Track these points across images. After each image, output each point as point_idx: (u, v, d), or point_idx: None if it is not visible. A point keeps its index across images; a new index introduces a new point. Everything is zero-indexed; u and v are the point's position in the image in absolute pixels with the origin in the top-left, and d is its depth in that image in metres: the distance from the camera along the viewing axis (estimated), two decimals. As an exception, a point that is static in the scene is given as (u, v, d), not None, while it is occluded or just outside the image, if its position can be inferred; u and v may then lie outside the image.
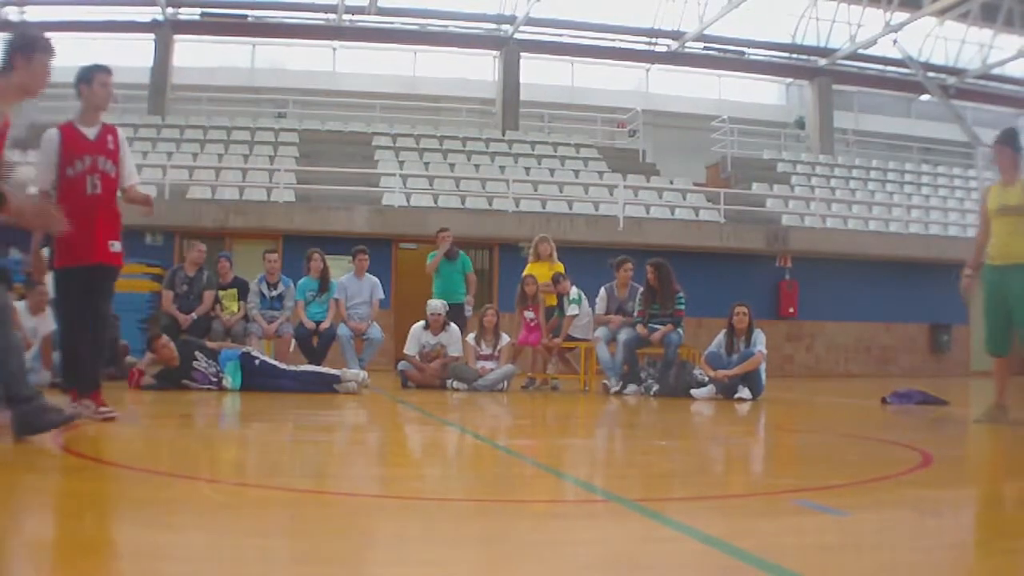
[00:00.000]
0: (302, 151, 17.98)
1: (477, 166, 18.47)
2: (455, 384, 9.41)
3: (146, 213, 5.77)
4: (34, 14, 20.34)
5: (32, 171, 5.33)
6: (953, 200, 20.97)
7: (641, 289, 9.84)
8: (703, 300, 11.26)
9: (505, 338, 9.97)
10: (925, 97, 23.79)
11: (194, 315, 9.68)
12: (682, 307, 9.55)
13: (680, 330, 9.51)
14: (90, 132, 5.34)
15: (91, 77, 5.31)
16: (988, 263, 6.37)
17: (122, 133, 5.52)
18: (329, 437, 5.53)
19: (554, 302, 10.27)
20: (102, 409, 5.23)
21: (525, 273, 10.61)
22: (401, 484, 3.63)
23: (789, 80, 24.23)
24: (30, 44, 4.35)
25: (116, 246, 5.36)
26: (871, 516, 3.01)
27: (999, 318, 6.30)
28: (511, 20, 21.28)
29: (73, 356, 5.36)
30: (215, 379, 8.08)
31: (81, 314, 5.29)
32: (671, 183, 18.75)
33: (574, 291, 10.21)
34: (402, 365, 9.82)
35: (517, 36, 21.54)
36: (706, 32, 21.81)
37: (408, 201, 16.17)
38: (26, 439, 4.00)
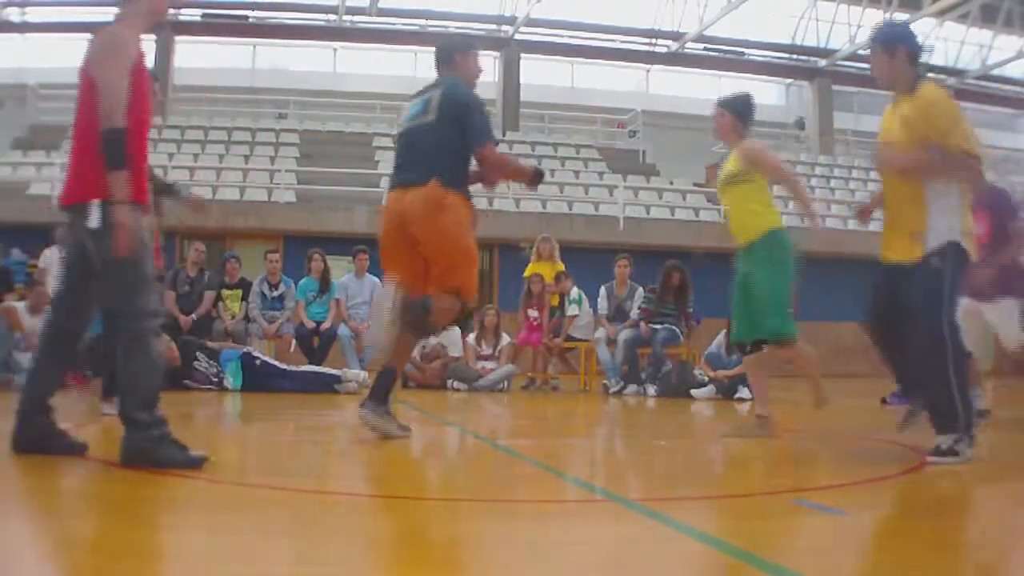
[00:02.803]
0: (303, 151, 17.98)
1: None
2: (455, 384, 9.41)
3: None
4: (35, 15, 20.37)
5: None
6: (953, 200, 20.96)
7: (641, 289, 9.86)
8: (703, 301, 11.26)
9: (505, 338, 9.98)
10: (925, 98, 23.78)
11: (193, 316, 9.69)
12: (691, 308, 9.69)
13: (677, 329, 9.52)
14: None
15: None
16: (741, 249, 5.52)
17: None
18: (329, 437, 5.53)
19: (557, 302, 10.29)
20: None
21: (530, 272, 10.63)
22: (401, 484, 3.64)
23: (789, 81, 24.22)
24: None
25: None
26: (871, 516, 3.02)
27: (741, 304, 5.42)
28: (511, 21, 21.28)
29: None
30: (216, 379, 8.09)
31: None
32: (671, 183, 18.75)
33: (574, 291, 10.22)
34: (402, 365, 9.83)
35: (517, 37, 21.53)
36: (706, 33, 21.81)
37: (408, 202, 16.13)
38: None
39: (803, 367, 5.50)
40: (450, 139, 4.55)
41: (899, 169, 4.19)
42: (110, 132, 3.39)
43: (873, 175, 21.31)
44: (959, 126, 4.12)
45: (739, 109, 5.52)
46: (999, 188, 6.36)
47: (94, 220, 3.42)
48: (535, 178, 4.82)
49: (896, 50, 4.25)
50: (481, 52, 5.02)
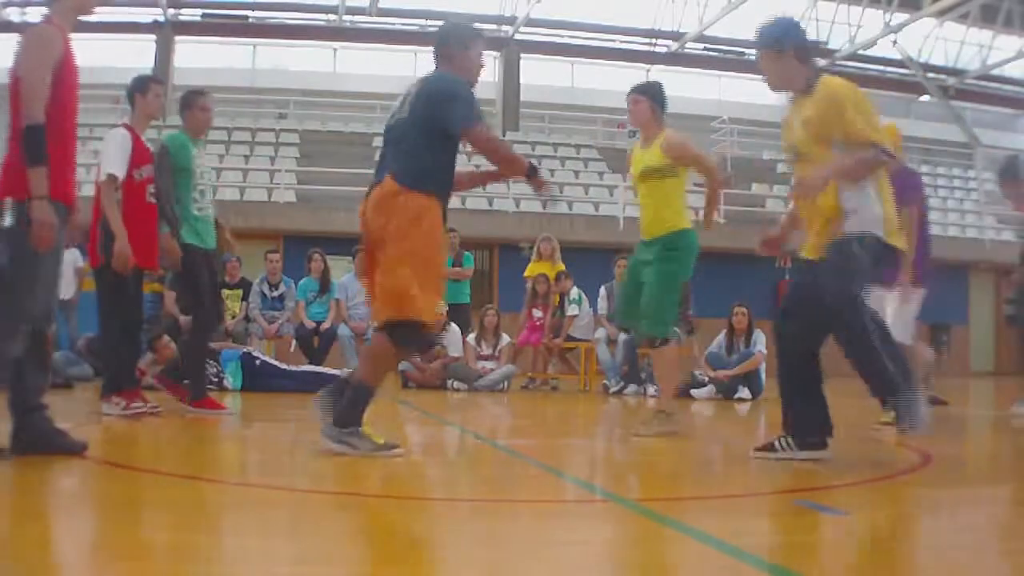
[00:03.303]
0: (303, 151, 17.98)
1: (477, 166, 18.41)
2: (455, 384, 9.41)
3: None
4: (35, 15, 20.37)
5: (111, 162, 5.33)
6: (953, 200, 20.96)
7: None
8: (703, 300, 11.30)
9: (505, 338, 9.98)
10: (925, 98, 23.79)
11: (194, 316, 9.69)
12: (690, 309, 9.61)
13: (679, 330, 9.49)
14: (143, 142, 5.51)
15: (147, 87, 5.53)
16: (642, 240, 5.53)
17: None
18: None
19: (557, 302, 10.30)
20: (133, 405, 5.41)
21: (532, 272, 10.63)
22: (401, 484, 3.64)
23: (789, 80, 24.21)
24: None
25: None
26: (871, 516, 3.02)
27: (632, 291, 5.43)
28: (511, 21, 21.29)
29: (119, 356, 5.50)
30: (216, 379, 8.07)
31: (132, 315, 5.52)
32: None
33: (574, 291, 10.22)
34: (402, 365, 9.82)
35: (517, 37, 21.54)
36: (706, 33, 21.81)
37: (408, 201, 16.15)
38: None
39: (660, 370, 5.47)
40: (416, 135, 4.11)
41: (820, 189, 3.87)
42: (29, 128, 3.42)
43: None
44: (863, 113, 3.84)
45: (655, 95, 5.42)
46: (910, 170, 6.20)
47: (6, 218, 3.47)
48: (532, 173, 4.35)
49: (783, 50, 3.99)
50: (484, 46, 4.58)
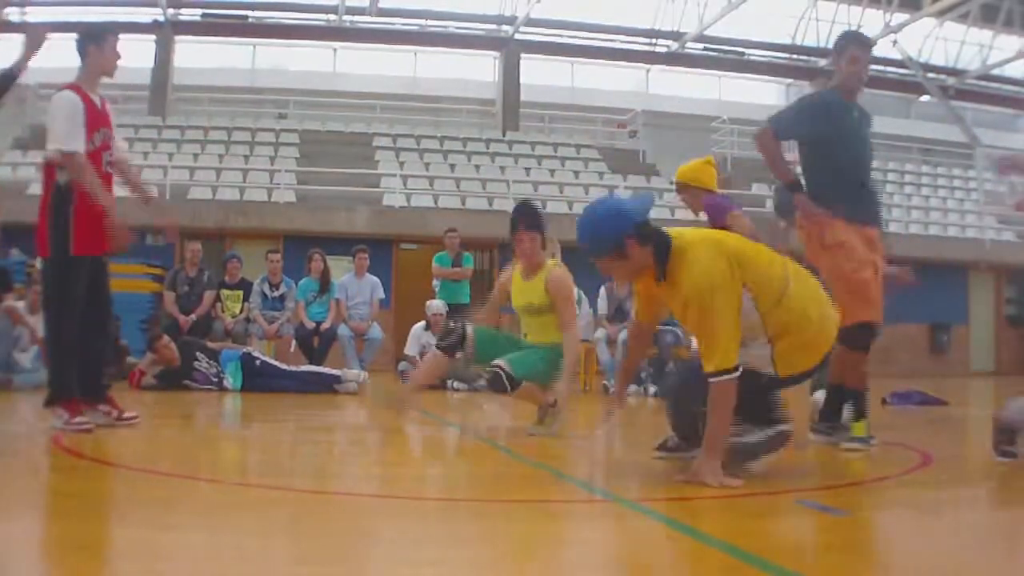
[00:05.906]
0: (303, 151, 17.98)
1: (478, 167, 18.45)
2: (455, 384, 9.41)
3: (146, 201, 5.03)
4: (35, 15, 20.37)
5: (59, 136, 4.47)
6: (953, 201, 20.96)
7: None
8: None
9: (505, 338, 9.97)
10: (925, 98, 23.78)
11: (193, 316, 9.69)
12: None
13: (678, 330, 9.49)
14: (96, 100, 4.63)
15: (104, 38, 4.66)
16: None
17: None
18: (329, 437, 5.54)
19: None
20: (127, 415, 4.76)
21: None
22: (401, 484, 3.64)
23: (789, 81, 24.21)
24: None
25: None
26: (871, 516, 3.02)
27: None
28: (511, 21, 21.28)
29: (85, 358, 4.60)
30: (216, 379, 8.08)
31: (90, 309, 4.58)
32: (671, 183, 18.73)
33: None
34: (402, 365, 9.83)
35: (517, 37, 21.53)
36: (706, 33, 21.80)
37: (409, 202, 16.16)
38: None
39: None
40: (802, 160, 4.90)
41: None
42: None
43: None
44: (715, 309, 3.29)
45: (538, 222, 5.34)
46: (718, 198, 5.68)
47: None
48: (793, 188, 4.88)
49: (608, 254, 3.52)
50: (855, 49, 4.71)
